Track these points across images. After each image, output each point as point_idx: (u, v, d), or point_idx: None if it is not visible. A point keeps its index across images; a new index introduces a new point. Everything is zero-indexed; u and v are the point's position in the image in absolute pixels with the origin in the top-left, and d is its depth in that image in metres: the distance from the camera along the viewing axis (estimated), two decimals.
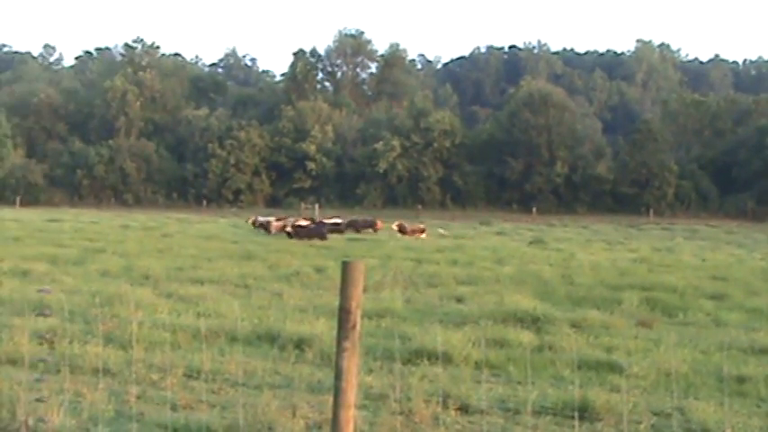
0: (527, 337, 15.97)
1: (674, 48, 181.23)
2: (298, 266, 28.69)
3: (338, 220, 51.20)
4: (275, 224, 50.07)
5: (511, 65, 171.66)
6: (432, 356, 13.39)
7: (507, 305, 19.26)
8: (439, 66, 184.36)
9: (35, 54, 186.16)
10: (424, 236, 45.75)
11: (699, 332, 18.12)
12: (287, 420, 10.07)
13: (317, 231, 44.96)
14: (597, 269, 30.70)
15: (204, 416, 10.54)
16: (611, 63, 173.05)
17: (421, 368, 13.02)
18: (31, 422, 9.89)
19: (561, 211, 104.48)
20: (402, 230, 45.82)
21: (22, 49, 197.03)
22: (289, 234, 44.38)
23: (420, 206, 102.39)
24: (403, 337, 15.05)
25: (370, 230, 49.66)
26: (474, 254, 37.69)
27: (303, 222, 49.26)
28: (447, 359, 13.60)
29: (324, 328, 15.15)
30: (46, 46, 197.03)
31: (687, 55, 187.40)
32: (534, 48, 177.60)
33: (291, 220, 52.49)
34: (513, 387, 12.64)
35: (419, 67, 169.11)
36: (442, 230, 51.75)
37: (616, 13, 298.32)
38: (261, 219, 54.57)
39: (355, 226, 50.91)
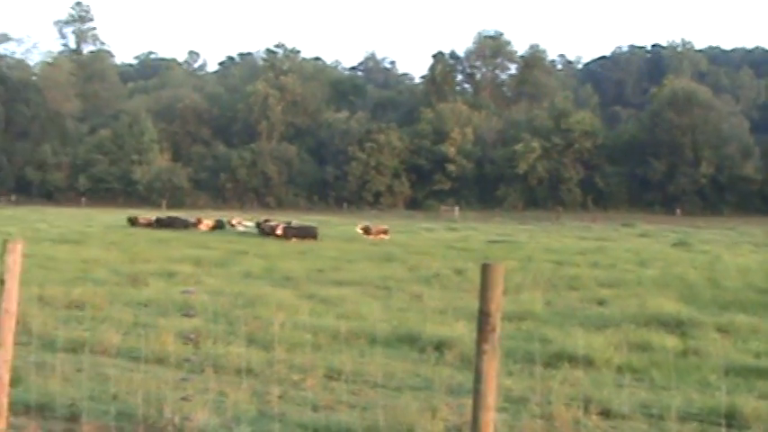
0: (671, 341, 15.61)
1: None
2: (437, 268, 28.67)
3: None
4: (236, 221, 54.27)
5: (653, 64, 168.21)
6: (573, 360, 13.20)
7: (650, 308, 18.88)
8: (579, 66, 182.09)
9: (180, 61, 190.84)
10: (387, 237, 46.29)
11: None
12: (426, 422, 10.04)
13: (309, 232, 46.06)
14: (745, 272, 29.86)
15: (344, 417, 10.57)
16: (759, 60, 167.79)
17: (562, 371, 12.83)
18: (177, 420, 10.08)
19: (706, 213, 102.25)
20: (367, 232, 46.58)
21: (168, 56, 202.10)
22: (278, 235, 45.05)
23: (561, 208, 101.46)
24: (543, 340, 14.88)
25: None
26: (616, 256, 37.17)
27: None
28: (588, 363, 13.39)
29: (463, 331, 15.08)
30: (190, 52, 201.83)
31: None
32: (678, 46, 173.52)
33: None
34: (657, 392, 12.36)
35: (559, 67, 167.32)
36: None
37: (764, 8, 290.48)
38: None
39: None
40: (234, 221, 55.14)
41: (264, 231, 46.99)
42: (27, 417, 10.21)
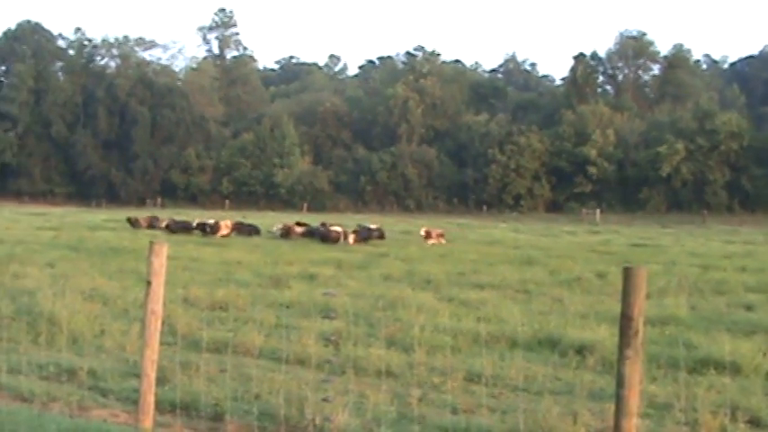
0: None
1: None
2: (579, 272, 28.38)
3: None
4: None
5: None
6: (719, 366, 12.90)
7: None
8: (725, 65, 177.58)
9: (321, 64, 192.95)
10: (443, 240, 45.64)
11: None
12: (568, 427, 9.95)
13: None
14: None
15: (484, 420, 10.54)
16: None
17: (707, 378, 12.57)
18: (318, 421, 10.20)
19: None
20: (428, 235, 45.98)
21: (309, 60, 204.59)
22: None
23: (706, 211, 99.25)
24: (688, 345, 14.57)
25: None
26: (764, 260, 36.25)
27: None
28: (735, 369, 13.07)
29: (605, 335, 14.88)
30: (331, 56, 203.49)
31: None
32: None
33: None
34: None
35: (704, 67, 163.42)
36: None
37: None
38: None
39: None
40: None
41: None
42: (172, 415, 10.44)
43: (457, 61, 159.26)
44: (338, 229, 45.83)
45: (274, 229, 48.67)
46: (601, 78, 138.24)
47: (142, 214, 60.83)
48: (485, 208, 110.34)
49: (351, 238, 43.68)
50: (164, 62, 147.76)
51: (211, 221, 49.64)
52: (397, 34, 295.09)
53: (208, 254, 33.36)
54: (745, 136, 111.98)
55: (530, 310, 19.34)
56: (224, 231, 46.72)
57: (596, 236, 59.04)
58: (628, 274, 7.20)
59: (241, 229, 48.67)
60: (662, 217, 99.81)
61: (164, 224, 51.33)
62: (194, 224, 49.56)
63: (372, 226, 48.88)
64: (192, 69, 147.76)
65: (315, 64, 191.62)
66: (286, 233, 46.13)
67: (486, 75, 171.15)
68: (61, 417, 10.04)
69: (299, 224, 49.57)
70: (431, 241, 45.15)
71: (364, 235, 44.79)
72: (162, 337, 9.87)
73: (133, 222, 52.40)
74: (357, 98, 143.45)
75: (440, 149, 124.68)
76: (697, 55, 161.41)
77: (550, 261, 33.41)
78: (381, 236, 45.61)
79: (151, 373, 9.50)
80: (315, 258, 32.62)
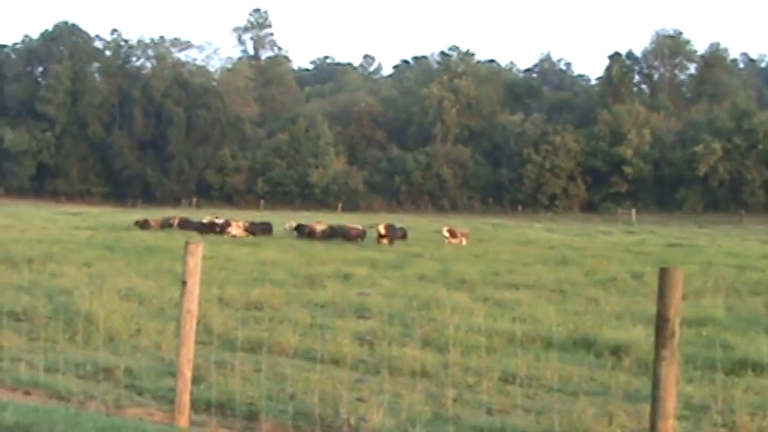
0: None
1: None
2: (614, 272, 28.24)
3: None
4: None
5: None
6: (757, 367, 12.81)
7: None
8: (763, 64, 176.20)
9: (355, 65, 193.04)
10: (465, 240, 45.37)
11: None
12: (603, 428, 9.90)
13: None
14: None
15: (519, 420, 10.52)
16: None
17: (745, 379, 12.47)
18: (352, 421, 10.20)
19: None
20: (453, 235, 45.60)
21: (344, 60, 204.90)
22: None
23: (743, 211, 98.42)
24: (725, 346, 14.46)
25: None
26: None
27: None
28: None
29: (641, 336, 14.80)
30: (366, 56, 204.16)
31: None
32: None
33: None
34: None
35: (741, 66, 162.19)
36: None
37: None
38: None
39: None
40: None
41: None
42: (208, 414, 10.48)
43: (492, 61, 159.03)
44: (358, 226, 46.23)
45: (286, 226, 48.99)
46: (636, 78, 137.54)
47: (154, 216, 60.75)
48: (520, 208, 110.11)
49: (381, 227, 43.91)
50: (199, 63, 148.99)
51: (221, 221, 49.87)
52: (431, 34, 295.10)
53: (243, 253, 33.48)
54: None
55: (565, 310, 19.26)
56: (234, 232, 46.65)
57: (632, 236, 58.74)
58: (664, 275, 7.17)
59: (254, 228, 48.68)
60: (698, 217, 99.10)
61: (176, 222, 52.17)
62: (204, 221, 50.13)
63: (396, 225, 49.00)
64: (228, 70, 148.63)
65: (349, 64, 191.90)
66: (310, 233, 46.09)
67: (521, 74, 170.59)
68: (98, 415, 10.09)
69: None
70: (455, 240, 45.09)
71: (392, 234, 44.81)
72: (197, 336, 9.92)
73: (142, 225, 51.97)
74: (392, 98, 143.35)
75: (475, 149, 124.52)
76: (734, 54, 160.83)
77: (585, 261, 33.28)
78: (404, 235, 45.53)
79: (187, 372, 9.55)
80: (349, 258, 32.66)
